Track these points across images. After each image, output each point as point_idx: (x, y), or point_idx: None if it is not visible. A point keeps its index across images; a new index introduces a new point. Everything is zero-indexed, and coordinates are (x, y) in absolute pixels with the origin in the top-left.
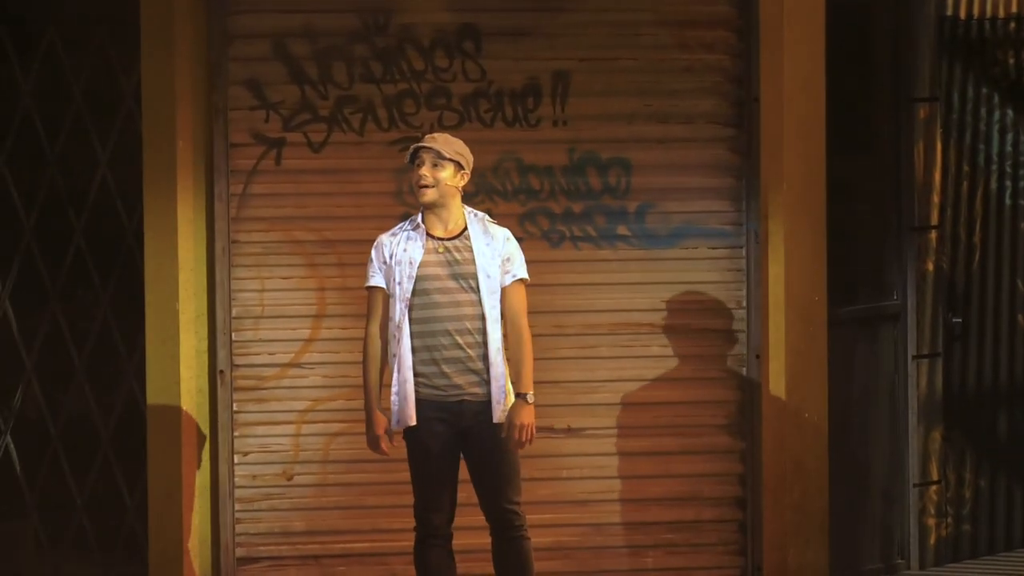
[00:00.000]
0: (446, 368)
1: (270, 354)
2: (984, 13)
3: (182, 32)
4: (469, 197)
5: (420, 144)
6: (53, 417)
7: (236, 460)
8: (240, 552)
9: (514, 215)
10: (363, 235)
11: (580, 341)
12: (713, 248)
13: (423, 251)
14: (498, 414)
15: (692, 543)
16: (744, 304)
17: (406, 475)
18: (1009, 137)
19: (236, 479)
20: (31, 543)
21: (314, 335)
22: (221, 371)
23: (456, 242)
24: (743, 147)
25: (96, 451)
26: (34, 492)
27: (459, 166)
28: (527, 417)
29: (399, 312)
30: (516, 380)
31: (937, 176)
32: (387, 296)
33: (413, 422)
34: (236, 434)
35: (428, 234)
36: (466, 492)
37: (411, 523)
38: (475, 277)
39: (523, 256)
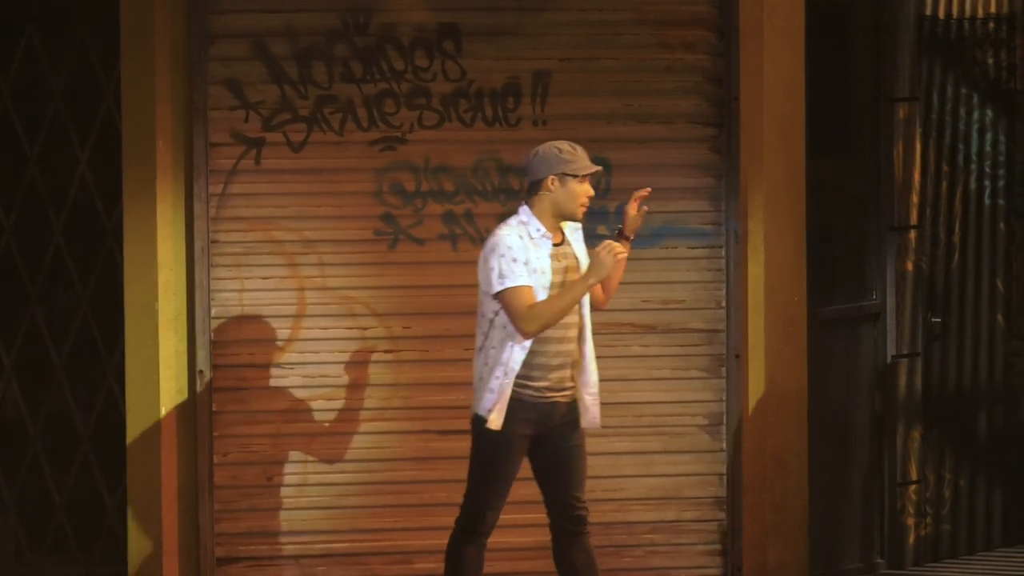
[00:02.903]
0: (550, 373)
1: (250, 354)
2: (963, 13)
3: (162, 31)
4: (449, 197)
5: (594, 168)
6: (32, 417)
7: (216, 460)
8: (220, 552)
9: (494, 215)
10: (343, 235)
11: None
12: (693, 248)
13: (550, 260)
14: (587, 419)
15: (673, 543)
16: (724, 304)
17: (386, 476)
18: (988, 137)
19: (216, 479)
20: (10, 543)
21: (294, 335)
22: (201, 371)
23: (564, 248)
24: (723, 147)
25: (76, 451)
26: (13, 492)
27: None
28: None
29: None
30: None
31: (917, 176)
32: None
33: (532, 432)
34: (216, 434)
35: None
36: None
37: (391, 523)
38: None
39: None
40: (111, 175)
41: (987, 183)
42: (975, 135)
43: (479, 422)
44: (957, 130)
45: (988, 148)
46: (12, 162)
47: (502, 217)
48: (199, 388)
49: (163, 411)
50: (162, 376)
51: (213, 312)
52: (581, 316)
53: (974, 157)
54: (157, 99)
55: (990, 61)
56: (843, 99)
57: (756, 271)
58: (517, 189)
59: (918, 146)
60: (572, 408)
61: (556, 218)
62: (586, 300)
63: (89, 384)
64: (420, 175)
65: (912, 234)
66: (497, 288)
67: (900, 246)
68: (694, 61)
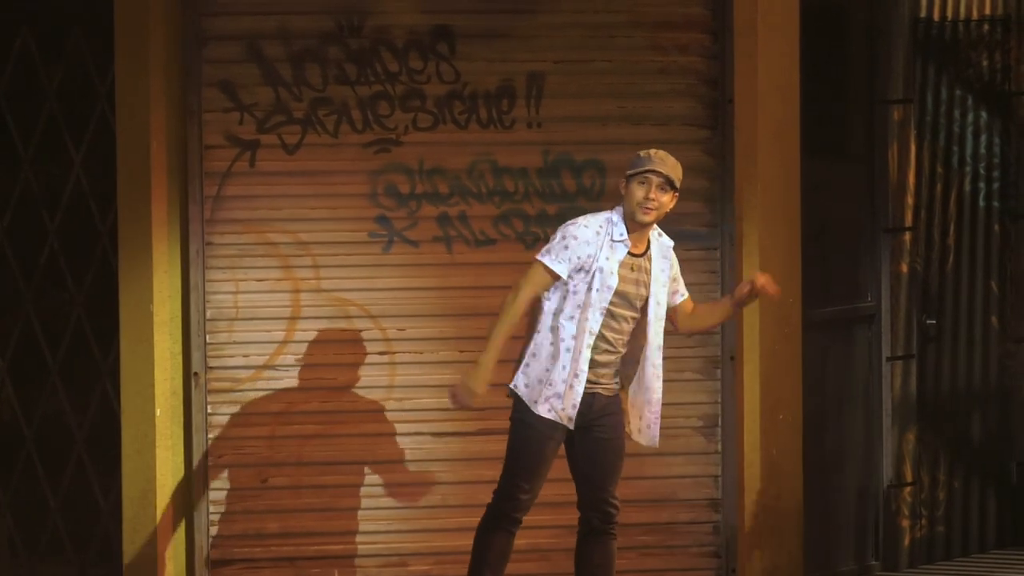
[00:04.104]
0: (596, 369)
1: (244, 356)
2: (958, 15)
3: (156, 34)
4: (443, 199)
5: (653, 168)
6: (27, 419)
7: (210, 462)
8: (214, 554)
9: (488, 217)
10: (338, 237)
11: None
12: (688, 250)
13: (620, 265)
14: (647, 437)
15: (667, 545)
16: None
17: (380, 478)
18: (983, 139)
19: (210, 481)
20: (4, 545)
21: (289, 337)
22: (195, 373)
23: (641, 261)
24: (717, 149)
25: (70, 453)
26: (7, 494)
27: (676, 192)
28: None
29: (593, 320)
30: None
31: (911, 178)
32: (554, 280)
33: (571, 425)
34: (210, 436)
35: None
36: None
37: (385, 526)
38: (645, 300)
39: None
40: (105, 177)
41: (981, 185)
42: (969, 137)
43: (515, 400)
44: (951, 132)
45: (982, 150)
46: (6, 164)
47: (496, 219)
48: (194, 390)
49: (158, 413)
50: (157, 378)
51: (208, 314)
52: (644, 327)
53: (968, 159)
54: (151, 101)
55: (984, 63)
56: (837, 101)
57: (751, 273)
58: (512, 191)
59: (912, 148)
60: (612, 402)
61: (633, 222)
62: (656, 321)
63: (84, 386)
64: (414, 177)
65: (907, 236)
66: (538, 255)
67: (895, 248)
68: (688, 63)
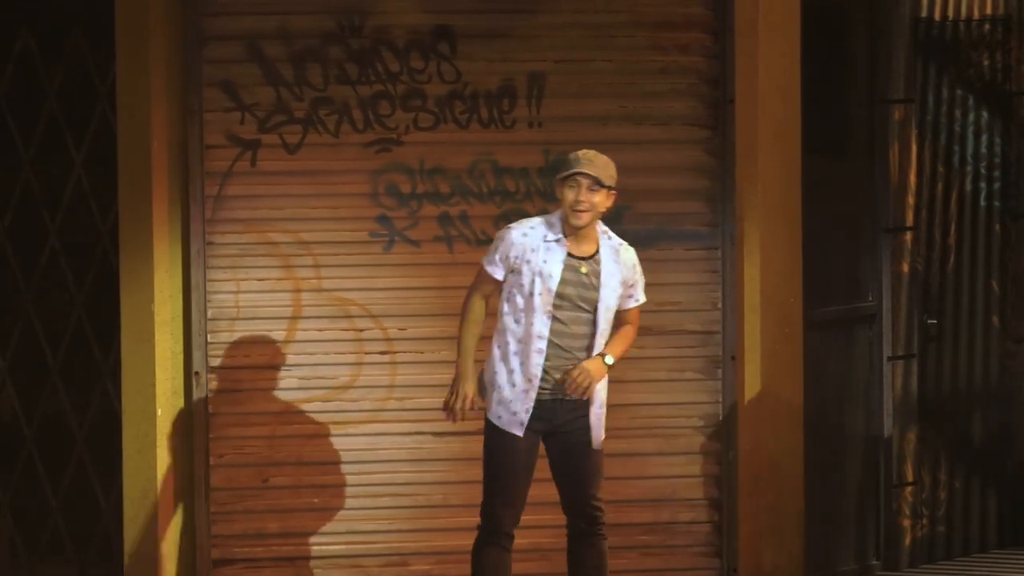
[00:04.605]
0: (549, 374)
1: (245, 356)
2: (959, 15)
3: (157, 34)
4: (444, 198)
5: (580, 170)
6: (27, 418)
7: (211, 462)
8: (215, 554)
9: (489, 217)
10: (339, 237)
11: None
12: (688, 250)
13: (562, 267)
14: (595, 439)
15: (668, 544)
16: (720, 305)
17: (381, 478)
18: (984, 139)
19: (212, 481)
20: (5, 545)
21: (290, 337)
22: (196, 373)
23: (588, 264)
24: (718, 149)
25: (71, 453)
26: (7, 494)
27: (611, 190)
28: (594, 367)
29: (540, 324)
30: (607, 347)
31: (912, 177)
32: (496, 282)
33: (519, 432)
34: (211, 436)
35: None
36: None
37: (386, 525)
38: (595, 304)
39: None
40: (106, 177)
41: (982, 185)
42: (970, 137)
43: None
44: (952, 132)
45: (983, 150)
46: (7, 164)
47: (497, 219)
48: (195, 390)
49: (159, 413)
50: (158, 378)
51: (209, 314)
52: (593, 332)
53: (969, 159)
54: (152, 101)
55: (985, 63)
56: (838, 101)
57: (752, 273)
58: (513, 191)
59: (913, 148)
60: (583, 407)
61: (569, 225)
62: (605, 324)
63: (84, 386)
64: (415, 177)
65: (908, 236)
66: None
67: (895, 248)
68: (689, 63)
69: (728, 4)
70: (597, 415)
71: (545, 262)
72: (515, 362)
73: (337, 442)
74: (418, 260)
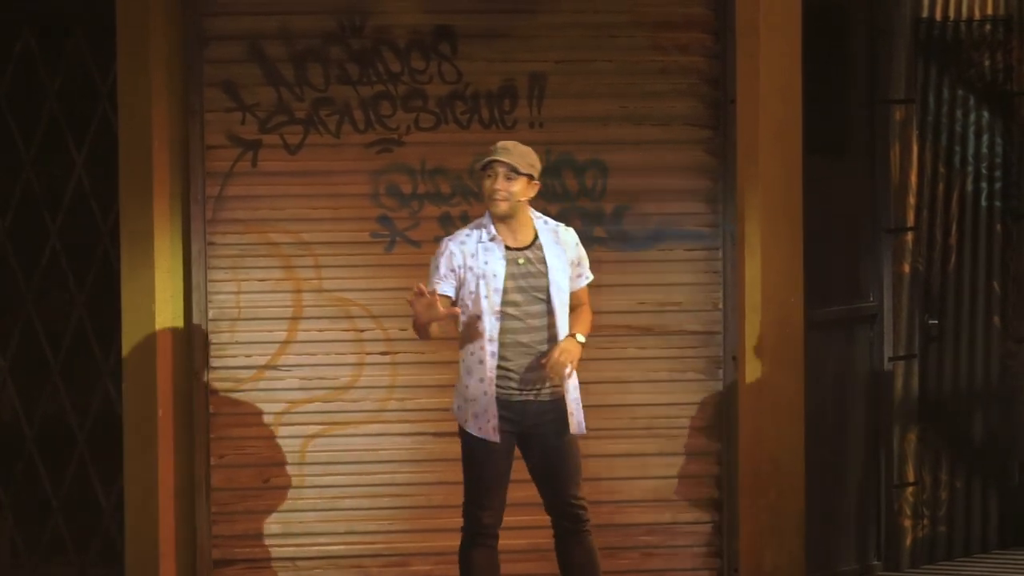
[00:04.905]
0: (513, 373)
1: (246, 356)
2: (960, 15)
3: (157, 34)
4: (445, 199)
5: (495, 158)
6: (28, 419)
7: (212, 462)
8: (216, 554)
9: None
10: (339, 237)
11: None
12: (689, 250)
13: (504, 263)
14: (573, 426)
15: (668, 545)
16: (720, 306)
17: (382, 478)
18: (985, 139)
19: (212, 481)
20: (6, 545)
21: (290, 337)
22: (197, 373)
23: (529, 253)
24: (719, 149)
25: (72, 453)
26: (8, 494)
27: (531, 178)
28: (571, 346)
29: (490, 325)
30: (571, 328)
31: (913, 178)
32: (451, 302)
33: (496, 438)
34: (212, 436)
35: (506, 246)
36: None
37: (387, 526)
38: (547, 290)
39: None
40: (107, 177)
41: (983, 185)
42: (971, 137)
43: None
44: (953, 132)
45: (984, 150)
46: (8, 164)
47: None
48: (195, 390)
49: (159, 413)
50: (158, 378)
51: (210, 314)
52: (552, 320)
53: (970, 159)
54: (153, 101)
55: (986, 63)
56: (839, 101)
57: (752, 273)
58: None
59: (914, 148)
60: (553, 407)
61: (495, 217)
62: (561, 308)
63: (85, 386)
64: (416, 177)
65: (908, 236)
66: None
67: (896, 248)
68: (689, 63)
69: (729, 4)
70: (575, 399)
71: (487, 263)
72: (476, 369)
73: (338, 442)
74: (419, 260)
